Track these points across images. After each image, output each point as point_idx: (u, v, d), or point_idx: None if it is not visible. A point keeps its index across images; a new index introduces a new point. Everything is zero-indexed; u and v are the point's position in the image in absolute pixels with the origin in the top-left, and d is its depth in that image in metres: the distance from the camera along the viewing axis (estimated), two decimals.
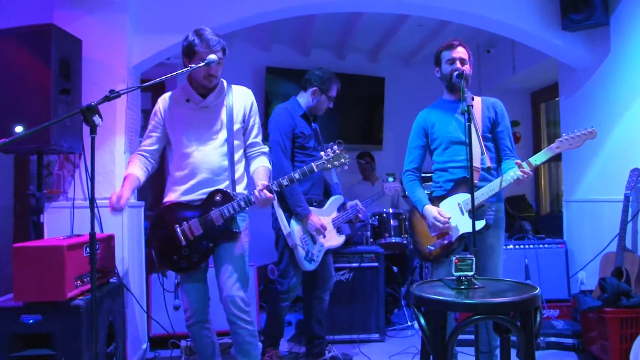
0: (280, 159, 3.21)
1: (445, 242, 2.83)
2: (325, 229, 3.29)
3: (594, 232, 3.97)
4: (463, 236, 2.81)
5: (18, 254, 2.39)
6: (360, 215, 3.65)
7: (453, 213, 2.82)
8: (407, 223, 4.36)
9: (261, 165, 2.76)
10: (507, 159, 2.88)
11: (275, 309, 3.41)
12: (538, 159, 2.67)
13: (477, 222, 2.66)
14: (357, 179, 5.67)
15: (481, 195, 2.74)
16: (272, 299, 3.46)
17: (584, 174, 4.17)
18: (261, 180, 2.65)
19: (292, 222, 3.26)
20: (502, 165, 2.89)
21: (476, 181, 2.78)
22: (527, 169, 2.63)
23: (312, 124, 3.46)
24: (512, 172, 2.67)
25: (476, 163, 2.76)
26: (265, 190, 2.52)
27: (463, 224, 2.79)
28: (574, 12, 3.78)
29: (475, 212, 2.69)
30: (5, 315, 2.38)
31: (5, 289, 3.46)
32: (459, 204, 2.83)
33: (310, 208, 3.30)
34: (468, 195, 2.77)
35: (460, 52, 2.87)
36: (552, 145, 2.68)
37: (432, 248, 2.85)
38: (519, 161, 2.66)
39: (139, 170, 2.71)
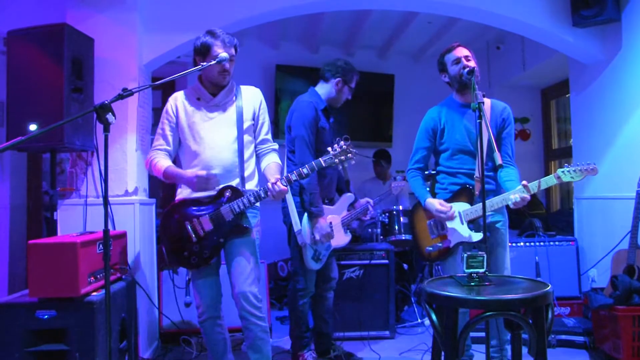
0: (305, 154, 3.14)
1: (443, 246, 2.91)
2: (332, 237, 3.23)
3: (605, 230, 3.95)
4: (460, 243, 2.88)
5: (33, 251, 2.42)
6: (368, 216, 3.62)
7: (453, 220, 2.89)
8: (407, 220, 4.37)
9: (272, 161, 2.79)
10: (505, 167, 2.90)
11: (296, 308, 3.36)
12: (534, 186, 2.69)
13: (475, 234, 2.84)
14: (368, 176, 5.67)
15: (481, 209, 2.77)
16: (290, 300, 3.42)
17: None
18: (274, 175, 2.67)
19: (305, 220, 3.21)
20: (500, 172, 2.90)
21: (477, 192, 2.86)
22: (528, 194, 2.67)
23: (330, 118, 3.42)
24: (514, 195, 2.70)
25: (478, 173, 2.84)
26: (279, 183, 2.54)
27: (462, 232, 2.86)
28: (585, 7, 3.76)
29: (474, 223, 2.86)
30: (20, 311, 2.42)
31: (19, 285, 3.51)
32: (459, 212, 2.89)
33: (322, 206, 3.28)
34: (468, 206, 2.87)
35: (462, 51, 2.91)
36: (552, 174, 2.73)
37: (431, 249, 2.95)
38: (525, 182, 2.68)
39: (170, 161, 2.73)
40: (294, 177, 2.59)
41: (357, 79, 3.45)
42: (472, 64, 2.85)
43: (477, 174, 2.86)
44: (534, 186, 2.69)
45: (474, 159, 2.89)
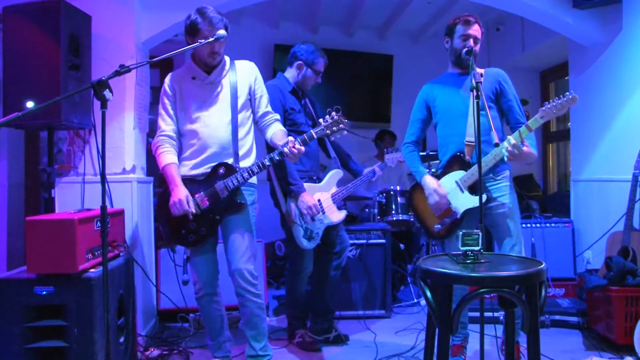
0: None
1: (451, 220, 2.89)
2: (317, 210, 3.17)
3: (601, 212, 3.97)
4: (468, 211, 2.86)
5: (31, 227, 2.42)
6: (375, 177, 3.59)
7: (453, 191, 2.88)
8: (404, 200, 4.37)
9: (279, 129, 2.79)
10: None
11: (293, 288, 3.39)
12: (524, 131, 2.69)
13: (477, 198, 2.73)
14: (368, 155, 5.67)
15: (476, 171, 2.76)
16: (288, 280, 3.45)
17: (591, 153, 4.15)
18: (283, 139, 2.66)
19: (290, 199, 3.19)
20: None
21: (468, 157, 2.85)
22: (517, 141, 2.64)
23: (302, 100, 3.40)
24: (504, 148, 2.66)
25: (470, 138, 2.82)
26: (296, 144, 2.53)
27: (466, 201, 2.85)
28: None
29: (474, 188, 2.81)
30: (19, 287, 2.43)
31: (17, 264, 3.53)
32: (456, 182, 2.88)
33: (309, 184, 3.25)
34: (463, 173, 2.86)
35: (476, 30, 2.87)
36: (536, 115, 2.71)
37: (440, 227, 2.93)
38: (510, 137, 2.67)
39: (175, 158, 2.73)
40: (286, 149, 2.59)
41: (325, 62, 3.41)
42: (476, 47, 2.85)
43: (467, 138, 2.83)
44: (521, 131, 2.68)
45: (466, 120, 2.85)
